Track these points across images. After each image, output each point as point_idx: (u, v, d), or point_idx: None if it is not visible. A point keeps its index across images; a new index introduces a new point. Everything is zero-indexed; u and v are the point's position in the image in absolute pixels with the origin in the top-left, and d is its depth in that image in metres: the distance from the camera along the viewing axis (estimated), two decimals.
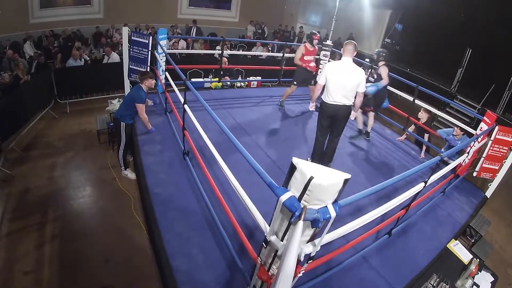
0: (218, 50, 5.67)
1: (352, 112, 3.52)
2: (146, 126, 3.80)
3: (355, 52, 3.12)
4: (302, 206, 1.26)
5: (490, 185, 3.86)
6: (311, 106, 5.45)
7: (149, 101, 4.03)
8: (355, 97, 3.20)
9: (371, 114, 4.57)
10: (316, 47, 5.03)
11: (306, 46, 4.83)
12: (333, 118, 3.24)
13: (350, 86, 3.05)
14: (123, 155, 3.83)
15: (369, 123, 4.61)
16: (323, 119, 3.28)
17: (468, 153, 3.66)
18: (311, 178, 1.21)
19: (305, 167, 1.26)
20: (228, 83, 6.24)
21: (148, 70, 4.42)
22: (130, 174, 3.98)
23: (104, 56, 7.20)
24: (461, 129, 4.12)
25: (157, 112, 4.36)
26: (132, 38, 4.37)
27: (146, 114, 3.74)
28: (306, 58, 4.84)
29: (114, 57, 6.92)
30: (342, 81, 3.05)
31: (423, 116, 4.46)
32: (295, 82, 4.96)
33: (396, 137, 4.94)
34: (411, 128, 4.76)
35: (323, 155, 3.52)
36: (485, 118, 3.79)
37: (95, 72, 6.68)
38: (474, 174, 3.86)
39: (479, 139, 3.66)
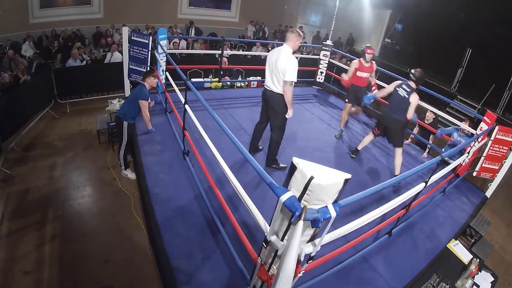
0: (218, 50, 5.66)
1: (289, 111, 3.18)
2: (147, 125, 3.81)
3: (297, 41, 3.01)
4: (302, 206, 1.26)
5: (490, 185, 3.86)
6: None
7: (151, 102, 4.04)
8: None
9: (398, 151, 3.59)
10: (373, 63, 4.37)
11: (361, 61, 4.27)
12: (264, 102, 3.33)
13: (275, 71, 3.03)
14: (124, 155, 3.83)
15: (396, 162, 3.62)
16: (262, 101, 3.40)
17: (468, 153, 3.66)
18: (311, 178, 1.21)
19: (306, 167, 1.26)
20: (228, 83, 6.25)
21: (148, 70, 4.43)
22: (130, 174, 3.97)
23: (106, 55, 7.19)
24: (469, 124, 4.18)
25: (157, 112, 4.37)
26: (132, 38, 4.37)
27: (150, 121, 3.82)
28: (358, 74, 4.30)
29: (117, 56, 6.90)
30: (271, 65, 3.08)
31: (429, 117, 4.49)
32: (346, 100, 4.53)
33: None
34: (415, 130, 4.77)
35: (256, 140, 3.61)
36: (485, 118, 3.80)
37: (95, 72, 6.67)
38: (474, 174, 3.86)
39: (479, 139, 3.66)
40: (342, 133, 4.60)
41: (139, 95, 3.63)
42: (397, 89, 3.47)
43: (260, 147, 3.74)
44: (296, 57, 3.23)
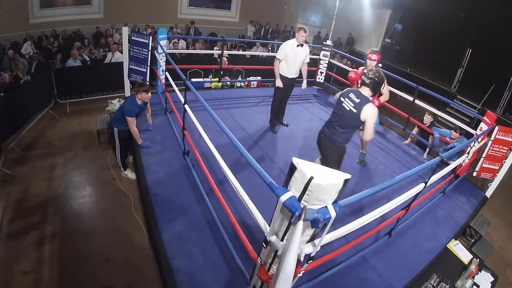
0: (218, 50, 5.65)
1: (276, 80, 4.01)
2: (137, 140, 3.57)
3: (299, 35, 3.81)
4: (302, 206, 1.26)
5: (490, 185, 3.86)
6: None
7: (149, 113, 3.91)
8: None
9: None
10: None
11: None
12: None
13: None
14: (121, 158, 3.80)
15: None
16: None
17: (468, 153, 3.65)
18: (311, 178, 1.21)
19: (305, 167, 1.26)
20: (228, 83, 6.24)
21: (148, 70, 4.43)
22: (130, 174, 3.97)
23: (108, 54, 7.17)
24: (460, 132, 4.12)
25: (157, 112, 4.37)
26: (132, 38, 4.36)
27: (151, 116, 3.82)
28: None
29: (118, 56, 6.88)
30: None
31: (427, 121, 4.48)
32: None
33: (397, 137, 4.95)
34: (415, 130, 4.77)
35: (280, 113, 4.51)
36: (485, 118, 3.79)
37: (95, 72, 6.66)
38: (474, 174, 3.86)
39: (479, 139, 3.65)
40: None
41: (125, 110, 3.37)
42: (342, 99, 2.42)
43: (285, 123, 4.61)
44: None
